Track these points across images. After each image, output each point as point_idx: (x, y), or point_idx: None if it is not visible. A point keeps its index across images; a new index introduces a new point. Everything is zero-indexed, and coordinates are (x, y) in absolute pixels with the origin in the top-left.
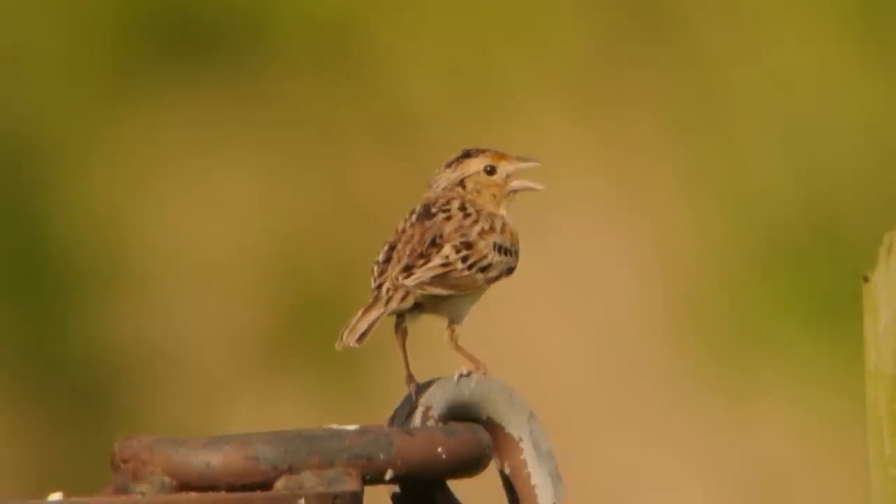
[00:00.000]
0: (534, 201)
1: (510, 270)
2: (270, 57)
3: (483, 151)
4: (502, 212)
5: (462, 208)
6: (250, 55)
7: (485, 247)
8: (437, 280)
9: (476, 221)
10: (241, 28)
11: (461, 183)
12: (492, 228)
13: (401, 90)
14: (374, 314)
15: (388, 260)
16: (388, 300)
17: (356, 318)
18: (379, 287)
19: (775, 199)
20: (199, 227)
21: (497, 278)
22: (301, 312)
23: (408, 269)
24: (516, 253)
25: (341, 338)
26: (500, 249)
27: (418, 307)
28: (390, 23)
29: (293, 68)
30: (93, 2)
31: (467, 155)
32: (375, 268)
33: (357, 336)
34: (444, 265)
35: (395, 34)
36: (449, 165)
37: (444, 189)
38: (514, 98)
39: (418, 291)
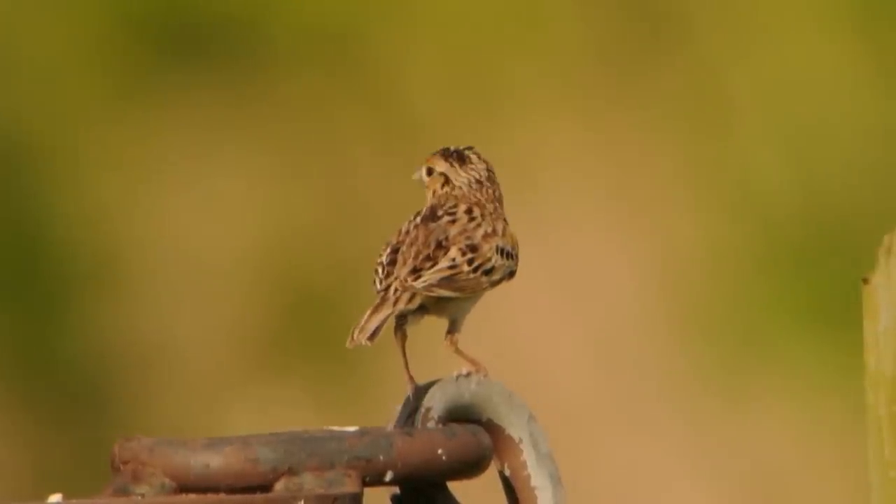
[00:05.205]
0: (534, 202)
1: (511, 274)
2: (269, 58)
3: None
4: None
5: (468, 212)
6: (248, 56)
7: (489, 250)
8: (444, 282)
9: (479, 225)
10: (240, 29)
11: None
12: (494, 232)
13: (400, 90)
14: (382, 314)
15: (392, 262)
16: (396, 301)
17: (365, 317)
18: (386, 288)
19: (776, 200)
20: (196, 228)
21: (499, 282)
22: (299, 313)
23: (416, 272)
24: (517, 257)
25: (352, 337)
26: (503, 253)
27: (422, 309)
28: (390, 23)
29: (292, 69)
30: (89, 3)
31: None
32: (380, 269)
33: (368, 335)
34: (451, 267)
35: (395, 35)
36: (463, 165)
37: (471, 189)
38: (515, 99)
39: (425, 293)
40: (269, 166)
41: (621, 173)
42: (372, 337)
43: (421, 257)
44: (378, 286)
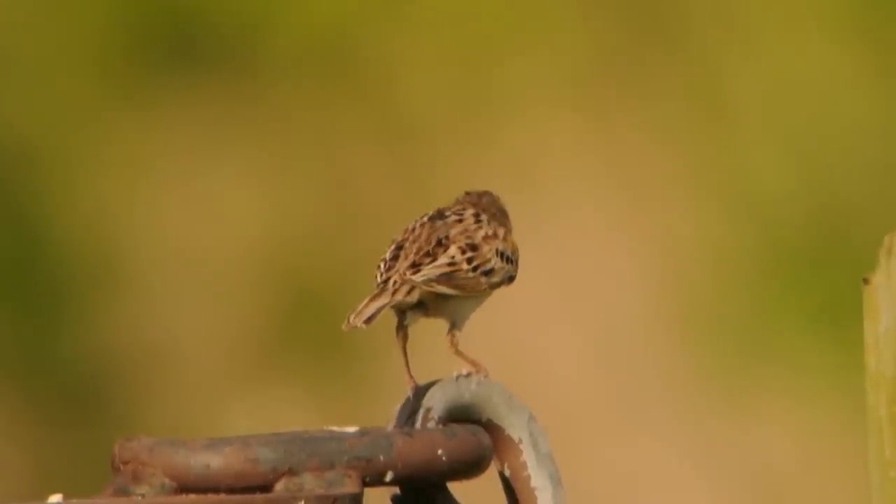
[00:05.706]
0: (534, 202)
1: (511, 279)
2: (268, 58)
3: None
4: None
5: (475, 215)
6: (248, 57)
7: (488, 251)
8: (443, 279)
9: (481, 227)
10: (239, 30)
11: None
12: (495, 235)
13: (399, 90)
14: (380, 301)
15: (395, 258)
16: (395, 291)
17: (363, 304)
18: (386, 281)
19: (776, 200)
20: (196, 229)
21: (499, 285)
22: (299, 314)
23: (415, 266)
24: (517, 262)
25: (348, 320)
26: (503, 256)
27: (421, 307)
28: (389, 23)
29: (291, 69)
30: (86, 4)
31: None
32: (382, 264)
33: (364, 318)
34: (450, 264)
35: (394, 34)
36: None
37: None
38: (515, 100)
39: (424, 288)
40: (268, 167)
41: (621, 173)
42: (368, 320)
43: (421, 253)
44: (378, 279)
